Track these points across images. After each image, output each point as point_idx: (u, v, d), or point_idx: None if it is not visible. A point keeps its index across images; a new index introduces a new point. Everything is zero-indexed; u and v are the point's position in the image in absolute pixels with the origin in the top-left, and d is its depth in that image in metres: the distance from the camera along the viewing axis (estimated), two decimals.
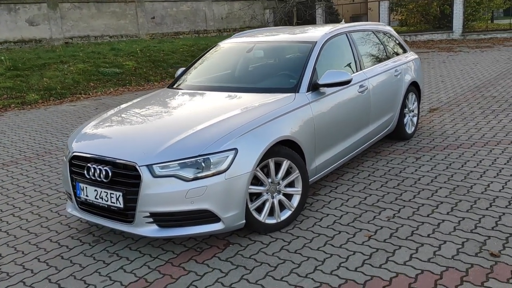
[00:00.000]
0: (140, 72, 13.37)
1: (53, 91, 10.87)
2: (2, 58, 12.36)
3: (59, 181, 4.95)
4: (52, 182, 4.90)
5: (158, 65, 14.13)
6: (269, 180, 3.38)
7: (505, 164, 4.55)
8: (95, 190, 3.21)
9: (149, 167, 3.03)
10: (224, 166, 3.06)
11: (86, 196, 3.29)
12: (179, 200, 3.00)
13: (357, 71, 4.54)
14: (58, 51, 14.90)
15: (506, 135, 5.53)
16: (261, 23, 27.22)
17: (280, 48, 4.59)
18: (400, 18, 27.62)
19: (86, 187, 3.27)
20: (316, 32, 4.53)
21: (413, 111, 5.69)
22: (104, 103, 9.99)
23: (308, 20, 25.82)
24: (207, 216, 3.08)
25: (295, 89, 3.86)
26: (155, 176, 3.01)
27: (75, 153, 3.38)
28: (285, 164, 3.43)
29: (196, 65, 4.87)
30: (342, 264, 2.96)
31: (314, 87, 3.91)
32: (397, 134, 5.41)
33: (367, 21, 29.66)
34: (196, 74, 4.73)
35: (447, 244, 3.11)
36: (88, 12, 20.58)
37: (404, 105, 5.37)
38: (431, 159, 4.86)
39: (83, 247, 3.43)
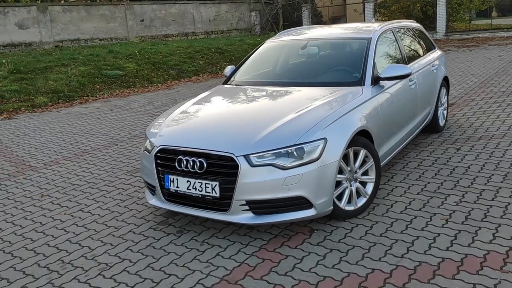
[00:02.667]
0: (142, 74, 13.36)
1: (61, 94, 10.79)
2: (4, 61, 12.19)
3: (111, 178, 5.00)
4: (106, 180, 4.95)
5: (159, 67, 14.13)
6: (348, 169, 3.54)
7: None
8: (188, 181, 3.32)
9: (246, 157, 3.16)
10: (316, 154, 3.21)
11: (177, 187, 3.38)
12: (276, 187, 3.14)
13: None
14: (55, 54, 14.75)
15: None
16: (247, 25, 27.44)
17: (335, 44, 4.78)
18: (383, 19, 28.24)
19: (177, 179, 3.37)
20: (366, 29, 4.73)
21: (443, 105, 5.95)
22: (116, 104, 9.99)
23: (295, 22, 26.11)
24: (301, 203, 3.23)
25: (360, 82, 4.05)
26: (252, 165, 3.14)
27: (162, 147, 3.48)
28: (362, 153, 3.60)
29: (247, 63, 5.01)
30: (431, 245, 3.14)
31: (375, 81, 4.10)
32: (432, 127, 5.65)
33: (345, 22, 30.45)
34: (251, 70, 4.88)
35: None
36: (78, 15, 20.39)
37: (438, 99, 5.62)
38: (471, 149, 5.11)
39: (170, 238, 3.52)
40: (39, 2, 22.47)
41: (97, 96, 11.22)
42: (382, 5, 26.67)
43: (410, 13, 25.97)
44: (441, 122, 5.84)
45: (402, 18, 26.69)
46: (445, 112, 6.01)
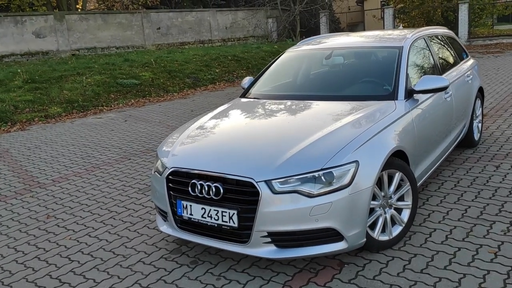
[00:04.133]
0: (157, 82, 13.12)
1: (75, 104, 10.59)
2: (19, 70, 12.07)
3: (122, 197, 4.69)
4: (116, 199, 4.64)
5: (175, 76, 13.88)
6: (382, 194, 3.16)
7: None
8: (203, 208, 2.97)
9: (268, 182, 2.80)
10: (346, 180, 2.84)
11: (190, 214, 3.04)
12: (302, 217, 2.77)
13: None
14: (71, 63, 14.62)
15: None
16: (264, 32, 27.16)
17: (362, 54, 4.40)
18: (403, 25, 27.68)
19: (190, 205, 3.03)
20: (396, 37, 4.35)
21: (478, 117, 5.51)
22: (131, 115, 9.73)
23: (313, 28, 25.78)
24: (330, 235, 2.86)
25: (392, 96, 3.66)
26: (275, 192, 2.78)
27: (174, 169, 3.14)
28: (397, 177, 3.21)
29: (266, 74, 4.65)
30: (482, 285, 2.74)
31: (409, 94, 3.71)
32: (466, 142, 5.22)
33: (363, 29, 29.99)
34: (270, 83, 4.53)
35: None
36: (95, 24, 20.35)
37: (472, 111, 5.19)
38: (511, 167, 4.66)
39: (183, 270, 3.17)
40: (56, 11, 22.57)
41: (112, 106, 11.00)
42: (402, 11, 26.16)
43: (431, 19, 25.43)
44: (476, 136, 5.40)
45: (423, 24, 26.24)
46: (479, 125, 5.57)
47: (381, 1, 32.49)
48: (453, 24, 23.66)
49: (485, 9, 25.14)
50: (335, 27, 27.76)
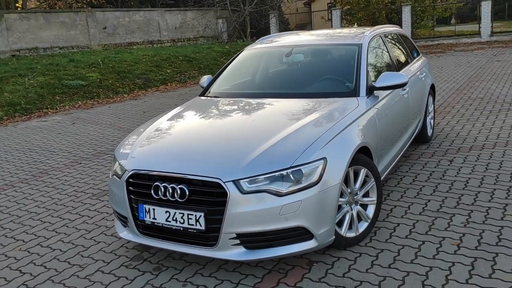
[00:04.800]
0: (106, 84, 12.68)
1: (17, 107, 10.02)
2: None
3: (74, 203, 4.43)
4: (68, 206, 4.38)
5: (124, 76, 13.47)
6: (348, 191, 3.14)
7: None
8: (167, 211, 2.83)
9: (236, 182, 2.70)
10: (315, 177, 2.79)
11: (153, 219, 2.89)
12: (272, 217, 2.70)
13: None
14: (11, 64, 13.87)
15: None
16: (214, 33, 26.99)
17: (322, 51, 4.38)
18: (349, 26, 28.38)
19: (153, 209, 2.88)
20: (355, 34, 4.38)
21: (431, 113, 5.67)
22: (79, 117, 9.32)
23: (263, 29, 25.89)
24: (300, 234, 2.80)
25: (354, 93, 3.66)
26: (243, 192, 2.69)
27: (135, 171, 2.97)
28: (363, 173, 3.21)
29: (226, 72, 4.54)
30: (449, 277, 2.77)
31: (370, 91, 3.74)
32: (421, 137, 5.35)
33: (312, 29, 30.56)
34: (231, 81, 4.43)
35: None
36: (36, 23, 19.41)
37: (426, 108, 5.33)
38: (464, 161, 4.82)
39: (146, 277, 3.01)
40: None
41: (58, 108, 10.50)
42: (349, 12, 26.82)
43: (376, 20, 26.25)
44: (429, 132, 5.55)
45: (369, 25, 27.02)
46: (432, 121, 5.74)
47: (328, 3, 33.18)
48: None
49: (426, 11, 26.27)
50: (285, 28, 28.05)
